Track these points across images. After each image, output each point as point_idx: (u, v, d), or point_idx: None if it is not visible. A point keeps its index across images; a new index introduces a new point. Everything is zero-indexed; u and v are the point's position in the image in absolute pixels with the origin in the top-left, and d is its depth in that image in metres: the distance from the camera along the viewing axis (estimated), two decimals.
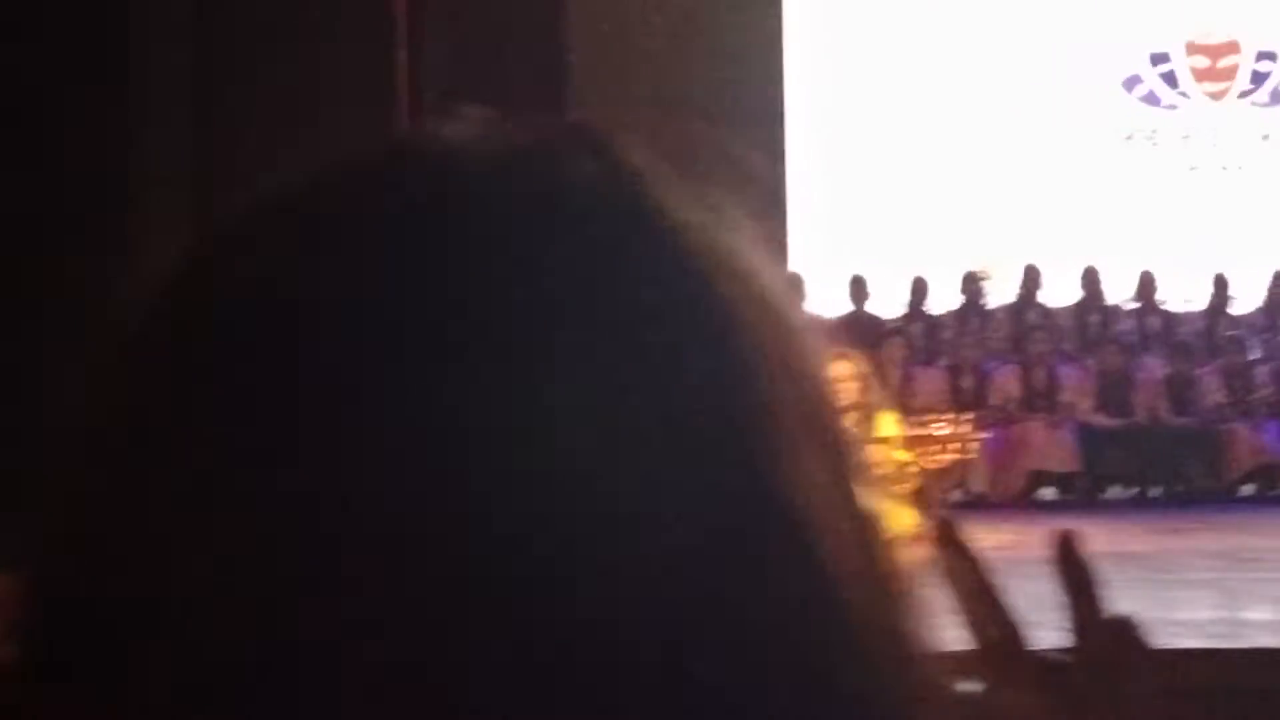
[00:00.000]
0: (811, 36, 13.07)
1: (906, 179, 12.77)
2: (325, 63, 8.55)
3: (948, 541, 0.85)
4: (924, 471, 7.30)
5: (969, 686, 0.79)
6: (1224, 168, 12.99)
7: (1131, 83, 13.04)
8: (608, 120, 0.54)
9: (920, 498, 7.29)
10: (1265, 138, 13.00)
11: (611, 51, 12.49)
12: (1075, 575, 0.84)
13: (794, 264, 12.28)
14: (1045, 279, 11.88)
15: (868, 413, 7.29)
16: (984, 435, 7.81)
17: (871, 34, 13.06)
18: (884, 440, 7.25)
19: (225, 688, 0.47)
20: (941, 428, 7.23)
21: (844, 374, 7.25)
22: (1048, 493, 11.09)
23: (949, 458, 7.25)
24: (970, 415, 7.93)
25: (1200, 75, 13.05)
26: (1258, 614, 4.67)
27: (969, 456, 7.54)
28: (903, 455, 7.25)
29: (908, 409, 7.98)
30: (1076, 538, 0.81)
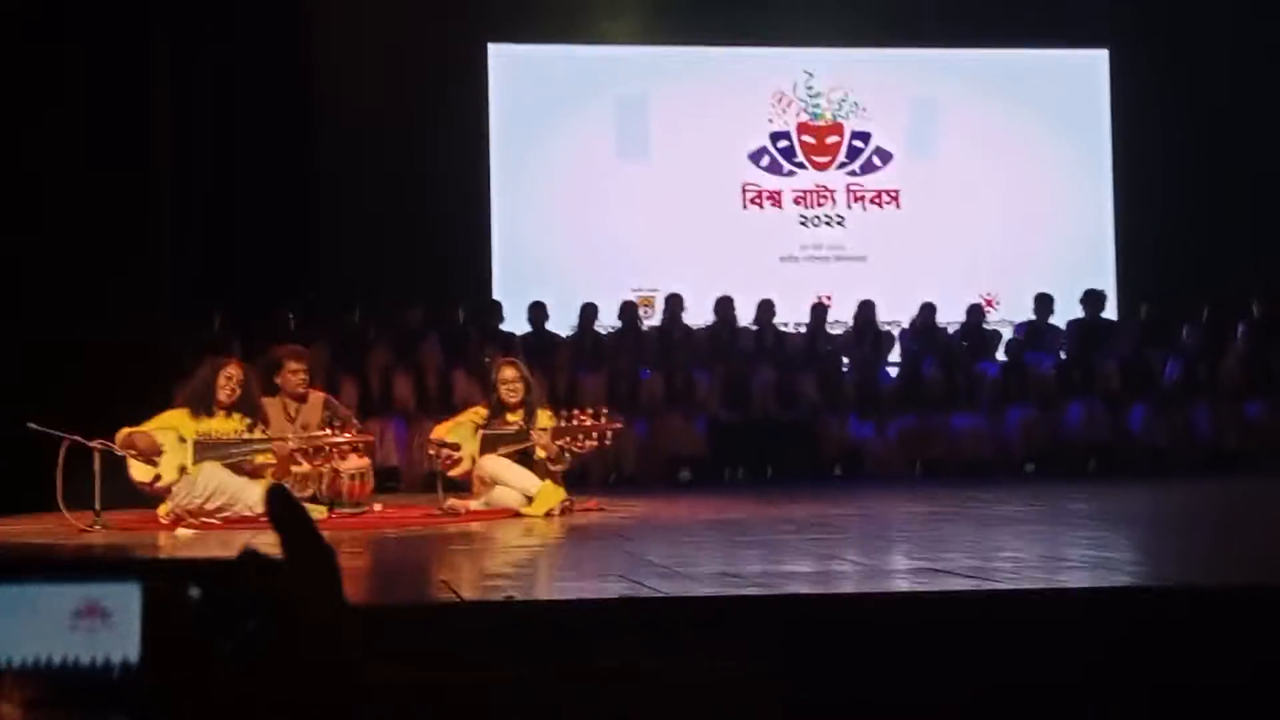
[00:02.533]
0: (509, 83, 13.43)
1: (578, 225, 13.20)
2: None
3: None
4: (574, 456, 7.73)
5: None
6: (826, 221, 13.64)
7: (758, 155, 13.63)
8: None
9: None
10: (858, 199, 13.69)
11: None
12: (284, 515, 0.98)
13: (495, 292, 12.75)
14: (687, 305, 12.33)
15: (530, 408, 7.78)
16: (620, 426, 8.10)
17: (553, 94, 13.43)
18: (542, 430, 7.68)
19: None
20: (585, 421, 7.58)
21: (510, 377, 7.80)
22: (684, 474, 11.37)
23: (592, 444, 7.62)
24: (616, 412, 8.18)
25: (808, 149, 13.70)
26: (793, 566, 5.04)
27: (608, 443, 7.84)
28: (554, 444, 7.66)
29: (573, 406, 8.25)
30: (282, 490, 1.04)
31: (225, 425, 7.60)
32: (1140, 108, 13.68)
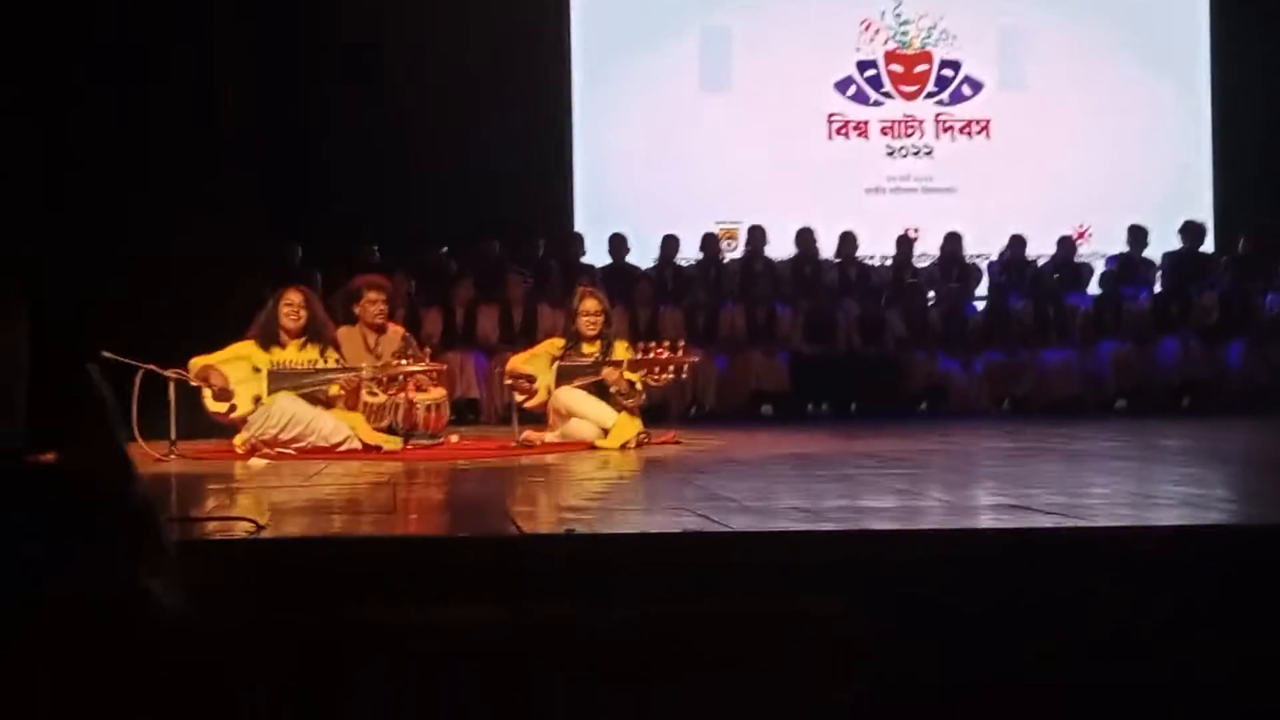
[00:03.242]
0: (591, 15, 13.20)
1: (662, 157, 13.02)
2: None
3: None
4: (648, 388, 7.57)
5: None
6: (914, 151, 13.35)
7: (844, 84, 13.35)
8: None
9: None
10: (946, 129, 13.38)
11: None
12: (82, 405, 0.98)
13: (578, 225, 12.60)
14: (770, 237, 12.11)
15: (607, 341, 7.62)
16: (697, 359, 7.94)
17: (636, 25, 13.18)
18: (613, 365, 7.52)
19: None
20: (662, 353, 7.42)
21: (592, 309, 7.67)
22: (766, 409, 11.26)
23: (668, 376, 7.46)
24: (696, 346, 8.00)
25: (896, 79, 13.40)
26: (871, 501, 4.87)
27: (684, 376, 7.67)
28: (632, 375, 7.51)
29: (651, 340, 8.07)
30: (92, 368, 0.99)
31: (298, 355, 7.51)
32: (1240, 33, 13.20)
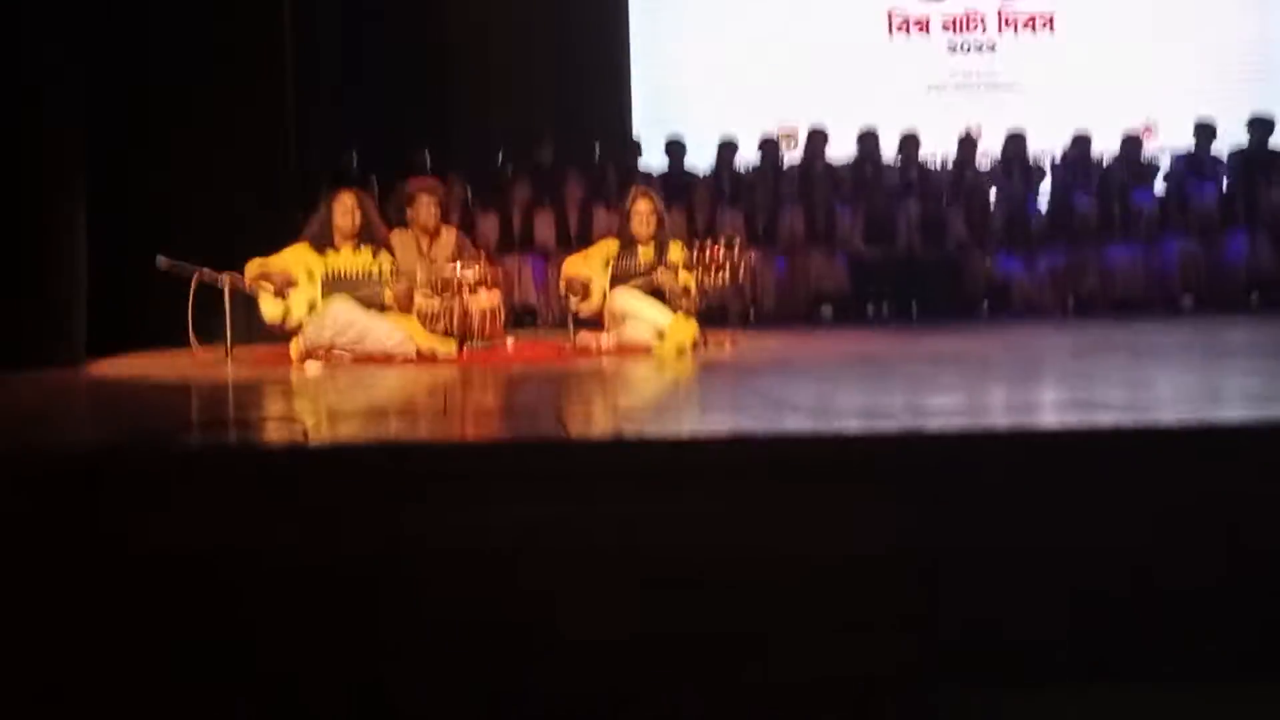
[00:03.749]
0: None
1: (718, 59, 12.82)
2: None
3: None
4: (703, 289, 7.43)
5: None
6: (976, 47, 13.09)
7: None
8: None
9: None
10: (1009, 23, 13.10)
11: None
12: None
13: (636, 130, 12.44)
14: (830, 138, 11.90)
15: (662, 243, 7.50)
16: (754, 255, 7.78)
17: None
18: (674, 264, 7.40)
19: None
20: (718, 252, 7.28)
21: (644, 209, 7.55)
22: (826, 311, 11.10)
23: (725, 276, 7.32)
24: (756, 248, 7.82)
25: None
26: (935, 400, 4.78)
27: (741, 277, 7.52)
28: (686, 277, 7.38)
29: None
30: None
31: (352, 259, 7.45)
32: None
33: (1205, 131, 11.94)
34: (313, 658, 3.48)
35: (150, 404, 5.50)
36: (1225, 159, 11.92)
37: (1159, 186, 11.87)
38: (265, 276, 7.30)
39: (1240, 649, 3.54)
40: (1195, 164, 11.84)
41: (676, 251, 7.50)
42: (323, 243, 7.42)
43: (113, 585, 3.53)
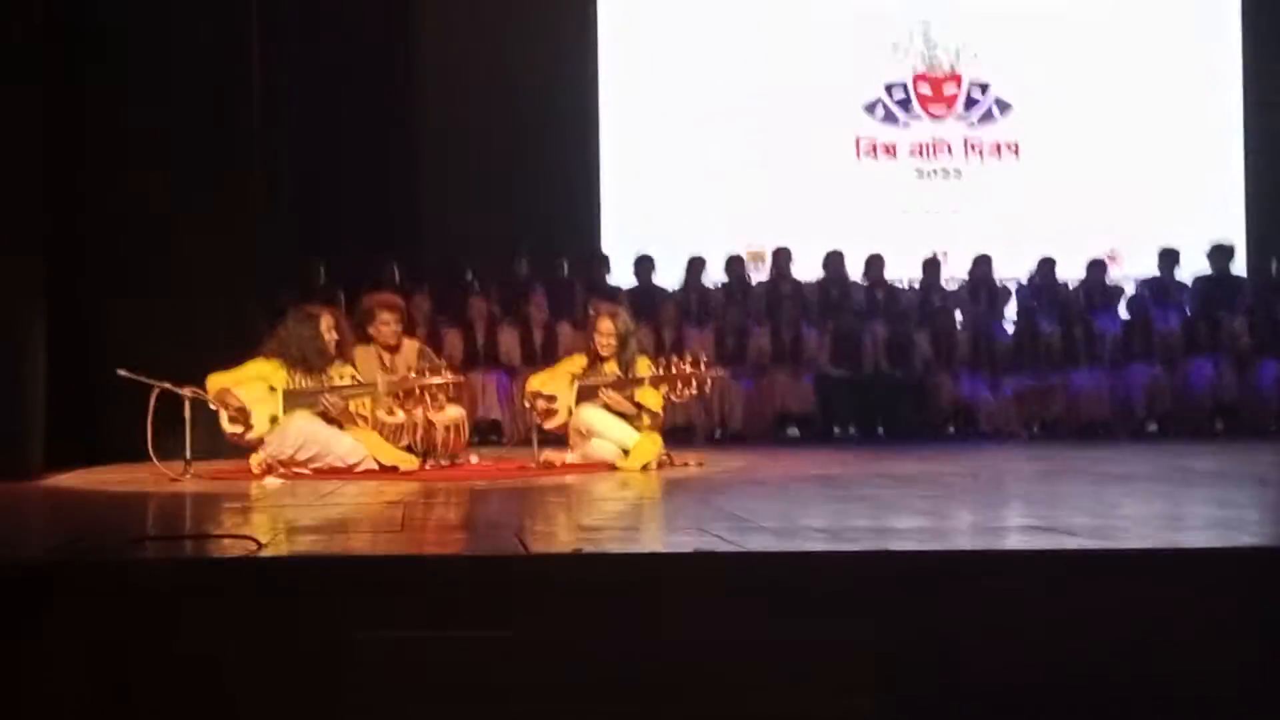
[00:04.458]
0: (620, 37, 13.11)
1: (688, 179, 12.92)
2: None
3: None
4: (670, 404, 7.42)
5: None
6: (943, 173, 13.23)
7: (872, 106, 13.24)
8: None
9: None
10: (975, 150, 13.25)
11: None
12: None
13: (604, 245, 12.50)
14: (797, 259, 11.98)
15: (629, 359, 7.49)
16: (720, 374, 7.78)
17: (663, 48, 13.09)
18: (639, 381, 7.38)
19: None
20: (684, 368, 7.28)
21: (606, 330, 7.55)
22: (792, 431, 11.13)
23: (690, 392, 7.32)
24: (712, 363, 7.81)
25: (925, 100, 13.28)
26: (899, 522, 4.74)
27: (708, 392, 7.49)
28: (652, 394, 7.37)
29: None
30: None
31: (327, 372, 7.40)
32: (1274, 50, 13.03)
33: (1169, 257, 12.07)
34: None
35: (103, 515, 5.42)
36: (1189, 285, 12.03)
37: (1123, 312, 11.96)
38: (223, 403, 7.23)
39: None
40: (1159, 290, 11.95)
41: (644, 367, 7.49)
42: (302, 363, 7.33)
43: (66, 686, 3.48)
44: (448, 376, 7.47)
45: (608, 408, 7.40)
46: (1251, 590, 3.70)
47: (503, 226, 12.08)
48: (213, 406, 7.26)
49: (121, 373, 7.04)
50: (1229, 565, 3.79)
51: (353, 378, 7.43)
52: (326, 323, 7.43)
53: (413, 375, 7.40)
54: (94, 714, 3.50)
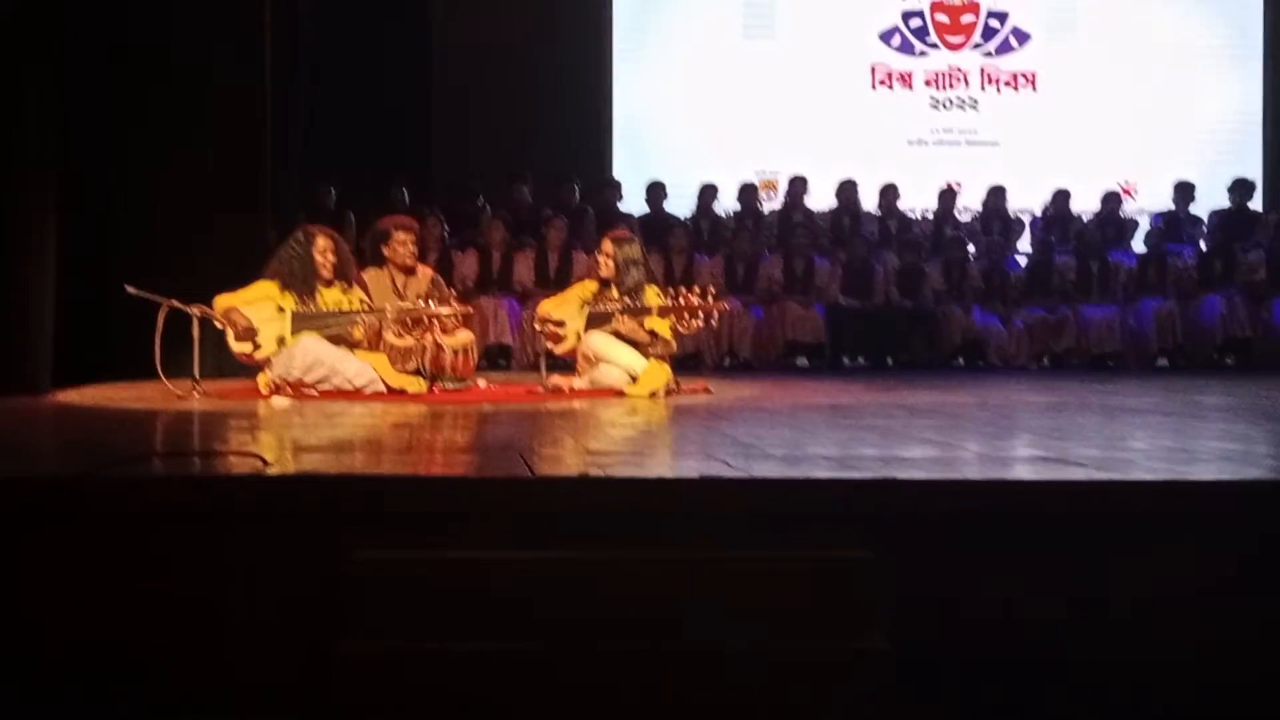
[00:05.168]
0: None
1: (702, 107, 12.84)
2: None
3: None
4: (677, 333, 7.39)
5: None
6: (958, 104, 13.13)
7: (889, 34, 13.12)
8: None
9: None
10: (992, 81, 13.14)
11: None
12: None
13: (616, 172, 12.44)
14: (810, 188, 11.94)
15: (631, 286, 7.44)
16: (727, 306, 7.75)
17: None
18: (647, 309, 7.35)
19: None
20: (692, 299, 7.25)
21: (607, 250, 7.49)
22: (801, 361, 11.11)
23: (698, 323, 7.29)
24: (733, 296, 7.78)
25: (942, 29, 13.15)
26: (907, 452, 4.71)
27: (714, 324, 7.45)
28: (660, 322, 7.33)
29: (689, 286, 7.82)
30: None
31: (324, 295, 7.39)
32: None
33: (1184, 192, 11.99)
34: (262, 676, 3.45)
35: (112, 431, 5.42)
36: (1205, 220, 11.96)
37: (1137, 246, 11.90)
38: (229, 321, 7.22)
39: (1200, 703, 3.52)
40: (1174, 224, 11.88)
41: (653, 296, 7.45)
42: (302, 289, 7.32)
43: (79, 607, 3.50)
44: (456, 308, 7.44)
45: (619, 334, 7.37)
46: (1260, 523, 3.68)
47: (515, 153, 12.02)
48: (219, 325, 7.25)
49: (129, 290, 7.02)
50: (1238, 499, 3.77)
51: (362, 301, 7.41)
52: (322, 244, 7.39)
53: (423, 304, 7.37)
54: (97, 628, 3.52)
